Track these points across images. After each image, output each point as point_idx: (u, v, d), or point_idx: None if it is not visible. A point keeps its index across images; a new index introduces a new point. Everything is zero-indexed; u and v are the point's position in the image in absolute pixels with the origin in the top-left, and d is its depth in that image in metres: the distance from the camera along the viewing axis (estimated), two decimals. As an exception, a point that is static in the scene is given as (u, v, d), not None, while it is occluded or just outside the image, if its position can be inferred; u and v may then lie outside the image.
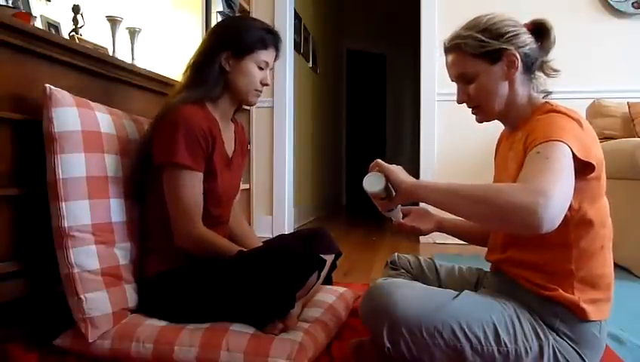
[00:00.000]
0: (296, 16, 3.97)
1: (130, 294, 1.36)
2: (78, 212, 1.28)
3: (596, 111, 2.95)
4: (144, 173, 1.40)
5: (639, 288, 2.14)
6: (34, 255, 1.34)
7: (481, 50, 1.12)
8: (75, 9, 2.07)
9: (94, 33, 2.22)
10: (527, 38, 1.13)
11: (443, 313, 1.04)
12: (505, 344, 1.03)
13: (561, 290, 1.06)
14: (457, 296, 1.10)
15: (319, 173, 5.23)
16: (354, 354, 1.25)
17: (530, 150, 1.01)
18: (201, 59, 1.42)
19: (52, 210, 1.27)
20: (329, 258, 1.53)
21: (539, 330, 1.06)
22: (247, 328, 1.25)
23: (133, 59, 2.39)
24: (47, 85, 1.29)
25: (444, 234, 1.42)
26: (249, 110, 3.50)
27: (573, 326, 1.06)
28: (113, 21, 2.24)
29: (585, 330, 1.06)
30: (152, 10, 2.79)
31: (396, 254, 1.50)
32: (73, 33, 2.05)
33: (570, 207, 1.00)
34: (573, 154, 0.97)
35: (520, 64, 1.12)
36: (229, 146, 1.48)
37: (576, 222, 1.05)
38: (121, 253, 1.37)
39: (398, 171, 1.08)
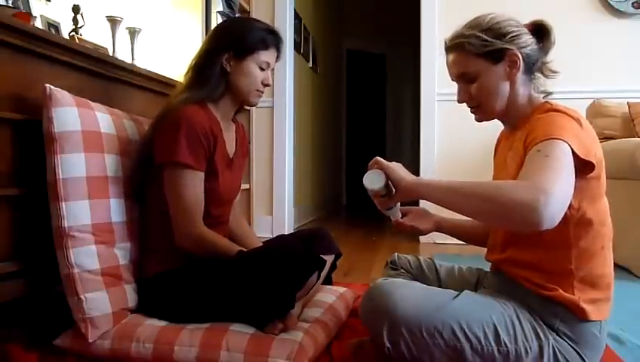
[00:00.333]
0: (296, 16, 3.97)
1: (130, 294, 1.36)
2: (78, 212, 1.28)
3: (596, 111, 2.95)
4: (144, 173, 1.40)
5: (639, 288, 2.14)
6: (34, 255, 1.34)
7: (483, 50, 1.12)
8: (75, 9, 2.07)
9: (94, 33, 2.22)
10: (528, 39, 1.13)
11: (443, 313, 1.04)
12: (505, 344, 1.03)
13: (561, 290, 1.06)
14: (457, 296, 1.10)
15: (319, 173, 5.23)
16: (354, 354, 1.25)
17: (530, 149, 1.01)
18: (203, 60, 1.42)
19: (52, 210, 1.27)
20: (329, 258, 1.54)
21: (539, 330, 1.06)
22: (247, 328, 1.25)
23: (133, 59, 2.39)
24: (47, 85, 1.29)
25: (444, 234, 1.43)
26: (249, 110, 3.50)
27: (573, 326, 1.06)
28: (113, 21, 2.23)
29: (585, 330, 1.06)
30: (152, 10, 2.79)
31: (396, 254, 1.50)
32: (73, 33, 2.04)
33: (570, 207, 1.00)
34: (574, 153, 0.97)
35: (522, 64, 1.12)
36: (230, 146, 1.49)
37: (576, 222, 1.05)
38: (121, 253, 1.37)
39: (398, 168, 1.08)
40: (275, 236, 1.81)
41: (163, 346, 1.22)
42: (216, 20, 3.06)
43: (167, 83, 1.98)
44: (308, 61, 4.63)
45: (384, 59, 6.88)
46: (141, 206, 1.45)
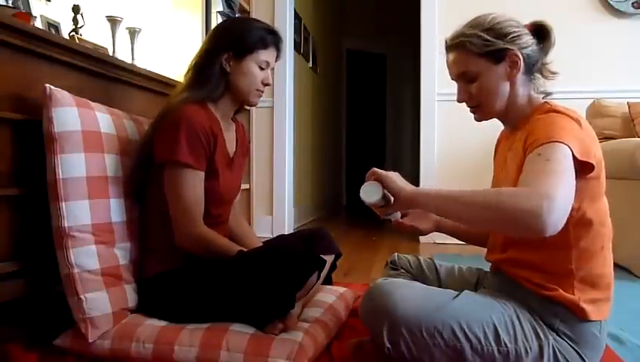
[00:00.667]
0: (296, 16, 3.97)
1: (130, 294, 1.36)
2: (78, 212, 1.28)
3: (596, 111, 2.95)
4: (144, 173, 1.40)
5: (639, 288, 2.14)
6: (34, 255, 1.34)
7: (485, 50, 1.12)
8: (75, 9, 2.07)
9: (94, 33, 2.22)
10: (529, 39, 1.13)
11: (443, 313, 1.04)
12: (505, 344, 1.03)
13: (561, 290, 1.06)
14: (457, 295, 1.10)
15: (319, 173, 5.23)
16: (354, 354, 1.25)
17: (530, 151, 1.01)
18: (202, 60, 1.42)
19: (52, 210, 1.27)
20: (329, 258, 1.54)
21: (539, 330, 1.06)
22: (247, 328, 1.25)
23: (133, 59, 2.39)
24: (47, 85, 1.29)
25: (444, 234, 1.43)
26: (249, 110, 3.50)
27: (574, 326, 1.06)
28: (113, 21, 2.24)
29: (585, 330, 1.06)
30: (152, 10, 2.79)
31: (396, 254, 1.50)
32: (73, 33, 2.04)
33: (571, 207, 1.00)
34: (574, 155, 0.97)
35: (522, 65, 1.12)
36: (231, 146, 1.49)
37: (576, 222, 1.04)
38: (121, 253, 1.37)
39: (396, 178, 1.07)
40: (275, 236, 1.81)
41: (163, 346, 1.22)
42: (216, 20, 3.06)
43: (167, 83, 1.98)
44: (308, 61, 4.63)
45: (384, 59, 6.87)
46: (141, 206, 1.45)
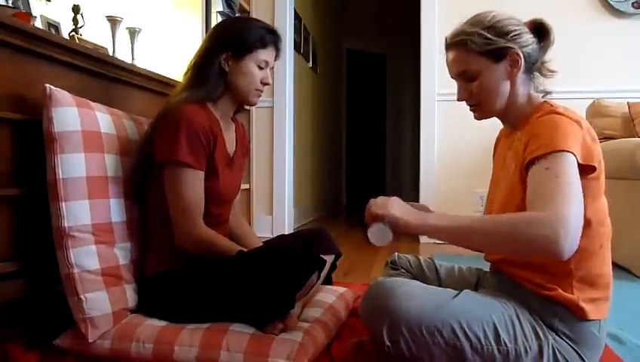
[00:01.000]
0: (296, 16, 3.97)
1: (130, 294, 1.36)
2: (78, 212, 1.28)
3: (596, 111, 2.95)
4: (144, 173, 1.40)
5: (639, 288, 2.14)
6: (34, 255, 1.34)
7: (486, 48, 1.11)
8: (75, 9, 2.07)
9: (94, 33, 2.22)
10: (529, 38, 1.13)
11: (443, 312, 1.04)
12: (505, 343, 1.03)
13: (560, 290, 1.06)
14: (457, 295, 1.10)
15: (319, 173, 5.23)
16: (354, 354, 1.25)
17: (534, 156, 1.00)
18: (201, 60, 1.42)
19: (52, 210, 1.27)
20: (329, 258, 1.54)
21: (538, 330, 1.06)
22: (247, 328, 1.25)
23: (133, 59, 2.39)
24: (47, 85, 1.29)
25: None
26: (249, 110, 3.50)
27: (573, 325, 1.06)
28: (113, 21, 2.24)
29: (584, 330, 1.06)
30: (152, 10, 2.79)
31: (396, 254, 1.50)
32: (73, 33, 2.05)
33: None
34: (577, 162, 0.98)
35: (523, 63, 1.12)
36: (230, 146, 1.49)
37: None
38: (121, 253, 1.37)
39: (399, 214, 1.04)
40: (275, 236, 1.81)
41: (163, 346, 1.22)
42: (216, 20, 3.06)
43: (167, 83, 1.98)
44: (308, 61, 4.63)
45: (384, 59, 6.87)
46: (141, 206, 1.45)
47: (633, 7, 3.16)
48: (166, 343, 1.22)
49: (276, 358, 1.16)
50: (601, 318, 1.08)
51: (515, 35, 1.11)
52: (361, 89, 6.81)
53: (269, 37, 1.43)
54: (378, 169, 6.86)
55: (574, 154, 0.98)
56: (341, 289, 1.67)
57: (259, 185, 3.63)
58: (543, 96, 1.17)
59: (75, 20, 2.07)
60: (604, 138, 2.77)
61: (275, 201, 3.61)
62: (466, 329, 1.03)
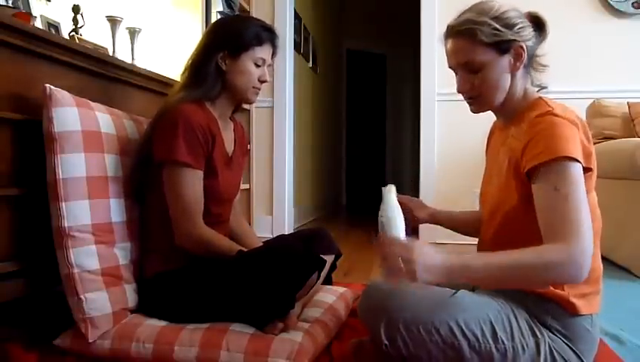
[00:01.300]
0: (296, 16, 3.96)
1: (130, 294, 1.36)
2: (78, 212, 1.28)
3: (596, 111, 2.95)
4: (144, 173, 1.40)
5: (639, 288, 2.13)
6: (34, 255, 1.34)
7: (494, 40, 1.07)
8: (75, 9, 2.07)
9: (94, 33, 2.22)
10: (530, 31, 1.11)
11: (440, 310, 1.04)
12: (502, 341, 1.03)
13: (551, 286, 1.06)
14: (454, 293, 1.09)
15: (319, 173, 5.23)
16: (354, 354, 1.25)
17: (535, 163, 0.99)
18: (198, 59, 1.42)
19: (52, 210, 1.27)
20: (329, 258, 1.54)
21: (535, 328, 1.06)
22: (247, 328, 1.25)
23: (133, 59, 2.39)
24: (47, 85, 1.29)
25: (444, 235, 1.42)
26: (249, 110, 3.50)
27: (565, 321, 1.06)
28: (113, 21, 2.23)
29: (576, 325, 1.06)
30: (152, 10, 2.79)
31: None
32: (73, 33, 2.04)
33: None
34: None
35: (525, 57, 1.10)
36: (229, 145, 1.49)
37: None
38: (121, 253, 1.37)
39: (426, 271, 0.93)
40: (275, 236, 1.81)
41: (163, 346, 1.22)
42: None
43: (167, 83, 1.98)
44: (308, 61, 4.63)
45: (384, 59, 6.87)
46: (141, 206, 1.45)
47: (633, 7, 3.16)
48: (166, 343, 1.22)
49: (276, 358, 1.16)
50: (593, 313, 1.08)
51: (520, 28, 1.09)
52: (361, 89, 6.82)
53: (265, 34, 1.43)
54: (378, 169, 6.86)
55: (579, 161, 0.97)
56: (341, 289, 1.67)
57: (259, 185, 3.62)
58: (538, 91, 1.16)
59: (75, 20, 2.06)
60: (604, 138, 2.77)
61: (275, 201, 3.61)
62: (464, 328, 1.03)
